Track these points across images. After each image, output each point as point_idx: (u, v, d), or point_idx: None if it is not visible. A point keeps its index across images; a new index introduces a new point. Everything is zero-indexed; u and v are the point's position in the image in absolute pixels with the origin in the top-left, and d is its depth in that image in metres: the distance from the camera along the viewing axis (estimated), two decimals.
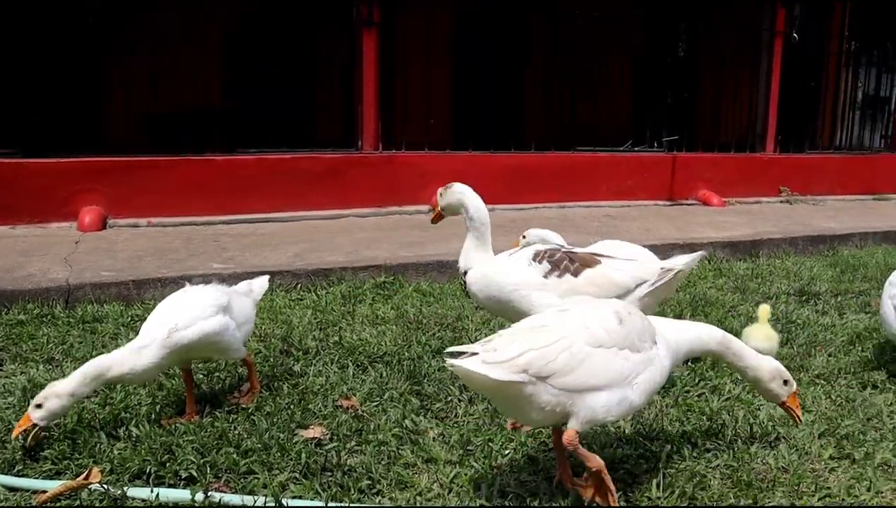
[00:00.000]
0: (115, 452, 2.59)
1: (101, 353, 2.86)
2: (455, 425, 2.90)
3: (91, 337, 3.85)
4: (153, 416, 2.91)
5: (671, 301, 4.52)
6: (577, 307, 2.41)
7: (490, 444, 2.70)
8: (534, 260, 3.18)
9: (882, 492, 2.46)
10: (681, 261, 3.28)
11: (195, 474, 2.47)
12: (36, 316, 4.16)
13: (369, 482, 2.47)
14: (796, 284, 5.22)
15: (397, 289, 4.94)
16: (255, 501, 2.30)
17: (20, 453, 2.60)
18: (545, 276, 3.13)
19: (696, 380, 3.33)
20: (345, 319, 4.27)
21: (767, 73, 9.26)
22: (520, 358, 2.15)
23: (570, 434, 2.21)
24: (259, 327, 3.98)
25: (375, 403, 3.09)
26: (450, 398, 3.15)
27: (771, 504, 2.35)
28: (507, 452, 2.66)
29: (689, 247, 6.15)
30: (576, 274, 3.12)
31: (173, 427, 2.78)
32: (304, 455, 2.58)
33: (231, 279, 4.67)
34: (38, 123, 7.06)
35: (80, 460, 2.55)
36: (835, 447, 2.74)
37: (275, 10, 8.58)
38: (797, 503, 2.36)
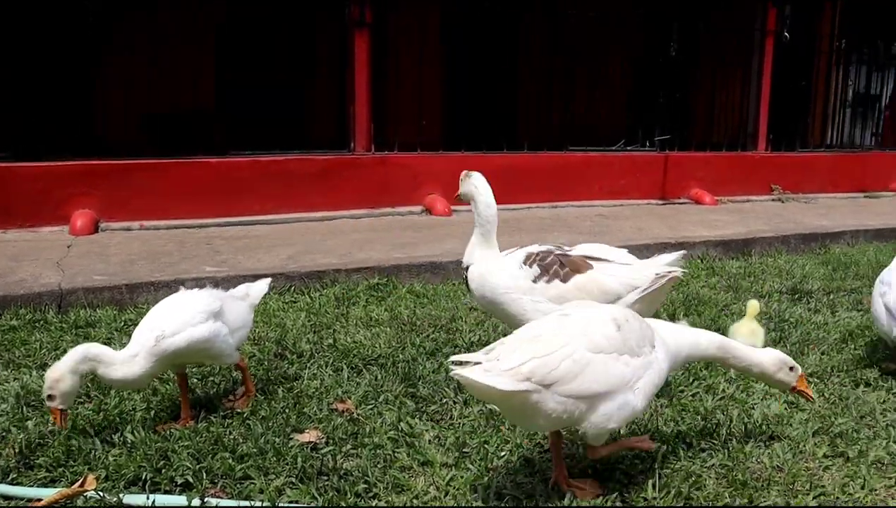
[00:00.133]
0: (111, 459, 2.58)
1: None
2: (450, 427, 2.91)
3: (84, 342, 3.82)
4: (148, 422, 2.90)
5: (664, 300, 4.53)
6: (577, 312, 2.41)
7: (486, 446, 2.71)
8: (524, 263, 3.15)
9: (876, 490, 2.47)
10: (665, 260, 3.32)
11: (191, 480, 2.46)
12: (28, 321, 4.14)
13: (365, 486, 2.47)
14: (789, 282, 5.24)
15: (391, 291, 4.94)
16: (252, 506, 2.30)
17: (14, 461, 2.59)
18: (534, 281, 3.10)
19: (691, 380, 3.34)
20: (339, 321, 4.27)
21: (759, 72, 9.30)
22: (523, 366, 2.17)
23: (590, 453, 2.43)
24: (253, 330, 3.96)
25: (370, 406, 3.09)
26: (445, 400, 3.15)
27: (766, 504, 2.36)
28: (502, 454, 2.67)
29: (681, 247, 6.18)
30: (565, 279, 3.08)
31: (168, 432, 2.78)
32: (299, 459, 2.58)
33: (224, 282, 4.68)
34: (31, 125, 7.03)
35: (75, 467, 2.54)
36: (829, 445, 2.75)
37: (268, 11, 8.56)
38: (792, 502, 2.37)
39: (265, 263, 5.26)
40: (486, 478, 2.50)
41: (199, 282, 4.62)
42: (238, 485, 2.47)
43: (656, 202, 8.72)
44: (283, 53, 8.75)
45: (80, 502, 2.33)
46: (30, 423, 2.84)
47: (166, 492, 2.42)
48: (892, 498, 2.43)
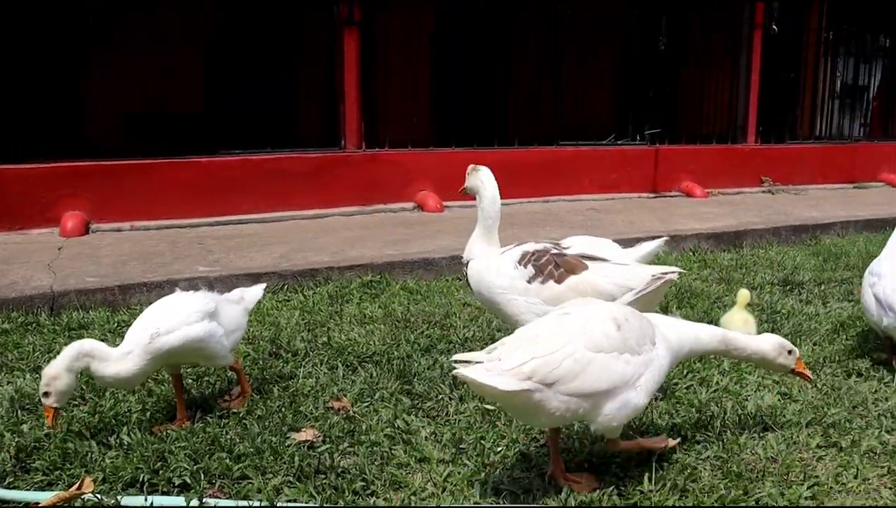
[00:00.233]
0: (108, 461, 2.58)
1: None
2: (447, 423, 2.92)
3: None
4: (144, 423, 2.90)
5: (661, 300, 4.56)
6: (577, 310, 2.44)
7: (482, 442, 2.72)
8: (520, 263, 3.14)
9: (869, 479, 2.50)
10: (647, 248, 3.37)
11: (189, 480, 2.46)
12: (21, 324, 4.12)
13: (363, 483, 2.48)
14: (780, 274, 5.28)
15: (384, 288, 4.94)
16: (251, 506, 2.30)
17: (10, 464, 2.58)
18: (529, 282, 3.10)
19: (685, 373, 3.36)
20: (333, 319, 4.27)
21: (747, 65, 9.33)
22: (524, 366, 2.20)
23: (609, 446, 2.46)
24: (247, 329, 3.96)
25: (366, 403, 3.09)
26: (440, 396, 3.16)
27: (761, 495, 2.38)
28: (499, 449, 2.68)
29: (672, 240, 6.21)
30: (559, 280, 3.06)
31: (165, 433, 2.77)
32: (297, 458, 2.59)
33: (218, 282, 4.68)
34: (20, 127, 6.99)
35: (72, 470, 2.54)
36: (822, 435, 2.78)
37: (256, 9, 8.52)
38: (786, 492, 2.39)
39: (258, 262, 5.25)
40: (482, 474, 2.51)
41: (191, 283, 4.62)
42: (236, 485, 2.47)
43: (647, 195, 8.75)
44: (271, 52, 8.71)
45: (77, 504, 2.32)
46: (25, 427, 2.83)
47: (164, 493, 2.42)
48: (885, 487, 2.45)
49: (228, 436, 2.76)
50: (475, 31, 9.14)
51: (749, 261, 5.75)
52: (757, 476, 2.49)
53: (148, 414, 2.99)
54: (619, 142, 9.29)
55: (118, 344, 2.83)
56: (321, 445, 2.72)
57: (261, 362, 3.56)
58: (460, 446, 2.71)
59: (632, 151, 8.90)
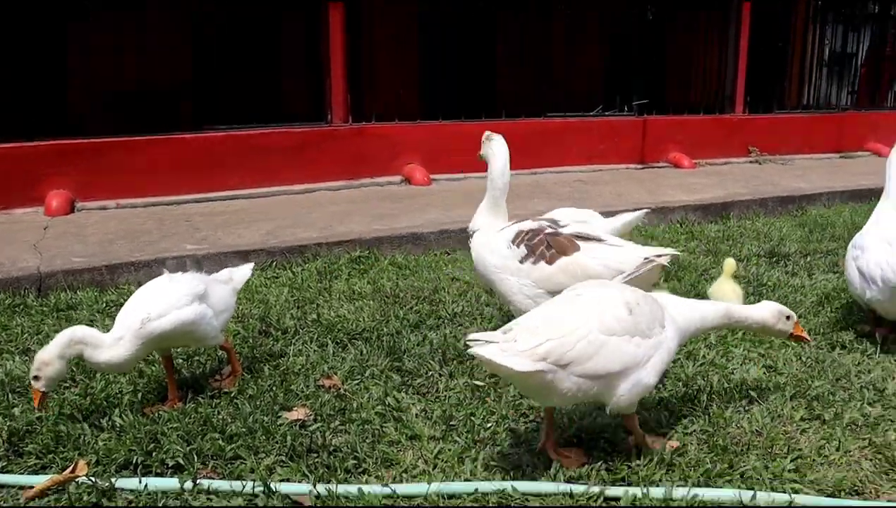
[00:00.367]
0: (100, 443, 2.59)
1: None
2: (437, 400, 2.94)
3: (66, 326, 3.77)
4: (135, 405, 2.91)
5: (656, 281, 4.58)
6: (589, 292, 2.48)
7: (472, 418, 2.75)
8: (513, 242, 3.17)
9: (850, 451, 2.55)
10: (626, 219, 3.41)
11: (182, 462, 2.48)
12: (8, 306, 4.10)
13: (355, 461, 2.51)
14: (766, 245, 5.32)
15: (373, 264, 4.95)
16: (244, 486, 2.33)
17: (3, 449, 2.59)
18: (521, 261, 3.13)
19: None
20: (322, 296, 4.27)
21: (735, 34, 9.28)
22: (539, 347, 2.25)
23: (626, 421, 2.51)
24: (236, 307, 3.96)
25: (357, 381, 3.12)
26: (430, 373, 3.19)
27: (746, 468, 2.42)
28: (488, 425, 2.71)
29: (660, 211, 6.24)
30: (550, 261, 3.09)
31: (157, 415, 2.79)
32: (289, 437, 2.61)
33: (206, 260, 4.67)
34: (4, 105, 6.89)
35: (65, 453, 2.55)
36: (805, 408, 2.83)
37: None
38: (770, 465, 2.44)
39: (246, 239, 5.24)
40: (473, 450, 2.55)
41: (179, 261, 4.61)
42: (229, 465, 2.50)
43: (635, 166, 8.75)
44: (255, 26, 8.59)
45: (71, 488, 2.34)
46: (16, 410, 2.84)
47: (158, 475, 2.44)
48: (866, 459, 2.51)
49: (220, 416, 2.78)
50: (463, 2, 9.03)
51: (736, 233, 5.78)
52: (742, 450, 2.54)
53: (139, 395, 3.00)
54: (606, 113, 9.26)
55: (108, 326, 2.83)
56: (313, 424, 2.75)
57: (251, 340, 3.57)
58: (451, 423, 2.74)
59: (619, 122, 8.87)
